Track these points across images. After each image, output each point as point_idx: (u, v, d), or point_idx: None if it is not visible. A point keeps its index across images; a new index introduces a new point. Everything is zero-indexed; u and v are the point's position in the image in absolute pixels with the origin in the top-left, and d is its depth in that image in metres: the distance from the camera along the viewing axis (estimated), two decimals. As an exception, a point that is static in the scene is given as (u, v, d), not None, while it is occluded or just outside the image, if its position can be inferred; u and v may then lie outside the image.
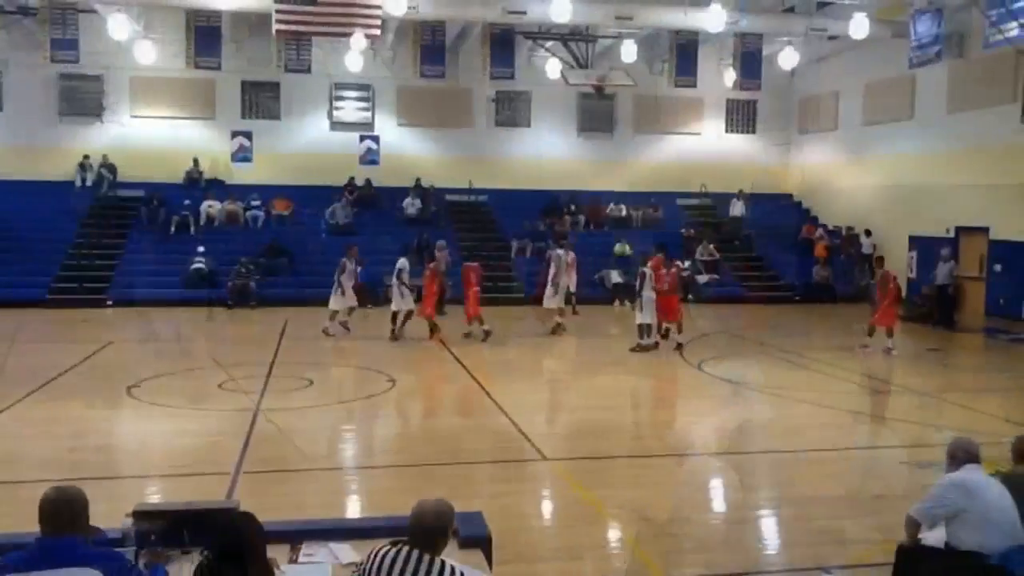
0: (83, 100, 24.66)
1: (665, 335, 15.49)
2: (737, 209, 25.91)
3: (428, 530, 3.70)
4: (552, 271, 17.46)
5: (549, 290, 17.40)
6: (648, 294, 14.98)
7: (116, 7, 19.73)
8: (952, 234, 21.46)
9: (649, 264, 15.35)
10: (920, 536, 4.95)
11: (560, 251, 17.98)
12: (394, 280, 16.10)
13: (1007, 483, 4.87)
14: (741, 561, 6.28)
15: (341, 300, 16.64)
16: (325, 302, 20.76)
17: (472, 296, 16.52)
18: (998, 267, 20.18)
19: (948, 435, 5.54)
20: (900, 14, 20.79)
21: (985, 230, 20.51)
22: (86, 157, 24.52)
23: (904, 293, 22.29)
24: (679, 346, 15.20)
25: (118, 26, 19.96)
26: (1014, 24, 17.62)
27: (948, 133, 21.56)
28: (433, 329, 16.21)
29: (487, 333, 16.11)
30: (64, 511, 3.51)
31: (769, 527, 7.14)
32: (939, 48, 19.66)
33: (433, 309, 16.48)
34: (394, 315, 16.17)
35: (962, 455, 4.92)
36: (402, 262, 16.18)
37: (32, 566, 3.41)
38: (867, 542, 6.46)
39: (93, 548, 3.60)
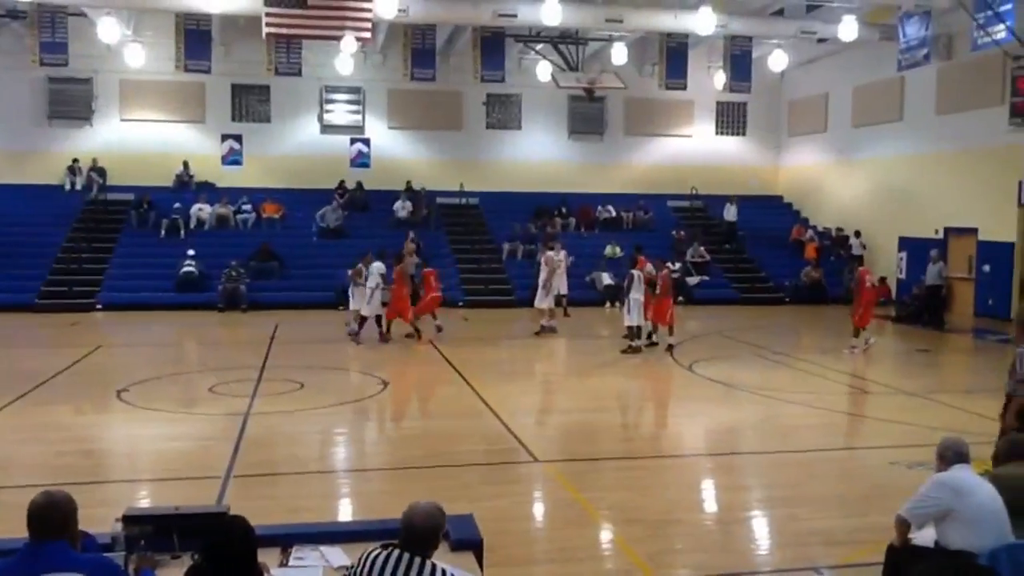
0: (72, 103, 24.63)
1: (637, 335, 15.38)
2: (731, 214, 25.89)
3: (419, 533, 3.70)
4: (544, 274, 17.48)
5: (541, 292, 17.43)
6: (636, 296, 15.01)
7: (105, 10, 19.66)
8: (941, 235, 21.58)
9: (638, 266, 15.41)
10: (910, 536, 4.97)
11: (551, 252, 18.00)
12: (370, 284, 16.02)
13: (996, 483, 4.89)
14: (732, 562, 6.29)
15: (361, 303, 16.51)
16: (315, 305, 20.87)
17: (431, 301, 16.80)
18: (986, 268, 20.30)
19: (938, 435, 5.55)
20: (888, 17, 20.91)
21: (974, 231, 20.63)
22: (75, 160, 24.47)
23: (894, 294, 22.50)
24: (670, 348, 15.24)
25: (107, 29, 19.88)
26: (1001, 26, 17.73)
27: (937, 135, 21.68)
28: (412, 330, 16.32)
29: (415, 333, 16.27)
30: (53, 516, 3.50)
31: (760, 528, 7.15)
32: (927, 50, 19.77)
33: (410, 312, 16.42)
34: (378, 319, 16.13)
35: (951, 455, 4.93)
36: (378, 266, 16.11)
37: (21, 572, 3.40)
38: (857, 542, 6.48)
39: (82, 553, 3.59)
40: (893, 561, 4.97)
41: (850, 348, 15.46)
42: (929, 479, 4.96)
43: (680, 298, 22.33)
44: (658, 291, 15.23)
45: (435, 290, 17.03)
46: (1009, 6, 17.54)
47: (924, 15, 19.58)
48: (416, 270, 17.76)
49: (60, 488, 3.71)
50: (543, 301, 17.38)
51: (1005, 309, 19.57)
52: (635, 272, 15.26)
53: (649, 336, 15.57)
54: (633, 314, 15.06)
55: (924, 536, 4.96)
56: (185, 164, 25.00)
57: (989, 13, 17.82)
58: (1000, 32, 17.86)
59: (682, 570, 6.22)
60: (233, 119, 25.55)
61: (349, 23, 18.60)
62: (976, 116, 20.20)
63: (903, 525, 4.93)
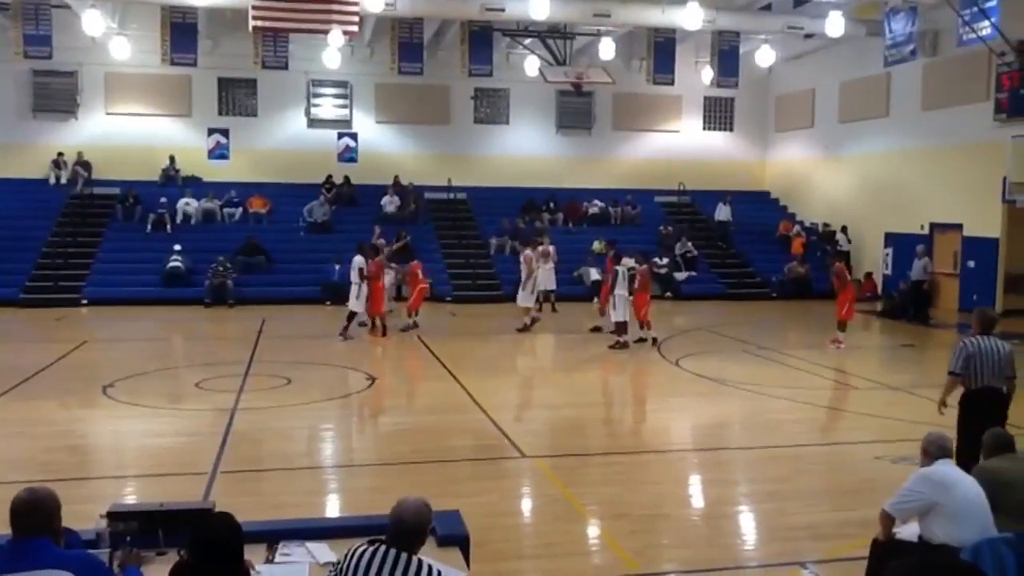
0: (57, 96, 24.44)
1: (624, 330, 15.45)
2: (723, 214, 25.87)
3: (407, 529, 3.70)
4: (524, 273, 17.54)
5: (522, 291, 17.52)
6: (620, 292, 15.06)
7: (90, 2, 19.50)
8: (926, 231, 21.71)
9: (622, 262, 15.50)
10: (894, 530, 5.01)
11: (529, 251, 18.07)
12: (354, 279, 15.98)
13: (978, 477, 4.93)
14: (719, 556, 6.32)
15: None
16: (302, 300, 20.82)
17: (420, 293, 17.09)
18: (971, 263, 20.43)
19: (922, 430, 5.59)
20: (875, 13, 20.99)
21: (959, 227, 20.76)
22: (60, 154, 24.28)
23: (880, 289, 22.62)
24: (654, 341, 15.30)
25: (92, 22, 19.74)
26: (986, 23, 17.83)
27: (923, 131, 21.79)
28: (384, 327, 16.29)
29: (413, 325, 16.66)
30: (36, 513, 3.49)
31: (746, 522, 7.19)
32: (913, 46, 19.87)
33: (383, 306, 16.41)
34: (351, 314, 16.08)
35: (935, 450, 4.98)
36: (358, 260, 16.05)
37: (3, 568, 3.39)
38: (843, 536, 6.52)
39: (66, 549, 3.58)
40: (878, 555, 5.01)
41: (835, 343, 15.54)
42: (913, 474, 5.01)
43: (668, 293, 22.48)
44: (636, 286, 15.28)
45: (422, 282, 17.24)
46: (994, 2, 17.63)
47: (910, 11, 19.67)
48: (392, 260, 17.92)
49: (45, 484, 3.70)
50: (528, 299, 17.43)
51: (990, 305, 19.70)
52: (619, 268, 15.32)
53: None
54: (619, 310, 15.11)
55: (908, 530, 5.00)
56: (171, 158, 24.85)
57: (975, 9, 17.91)
58: (985, 28, 17.96)
59: (669, 565, 6.24)
60: (220, 113, 25.41)
61: (336, 16, 18.55)
62: (961, 112, 20.30)
63: (887, 519, 4.98)
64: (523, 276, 17.50)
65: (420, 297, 17.21)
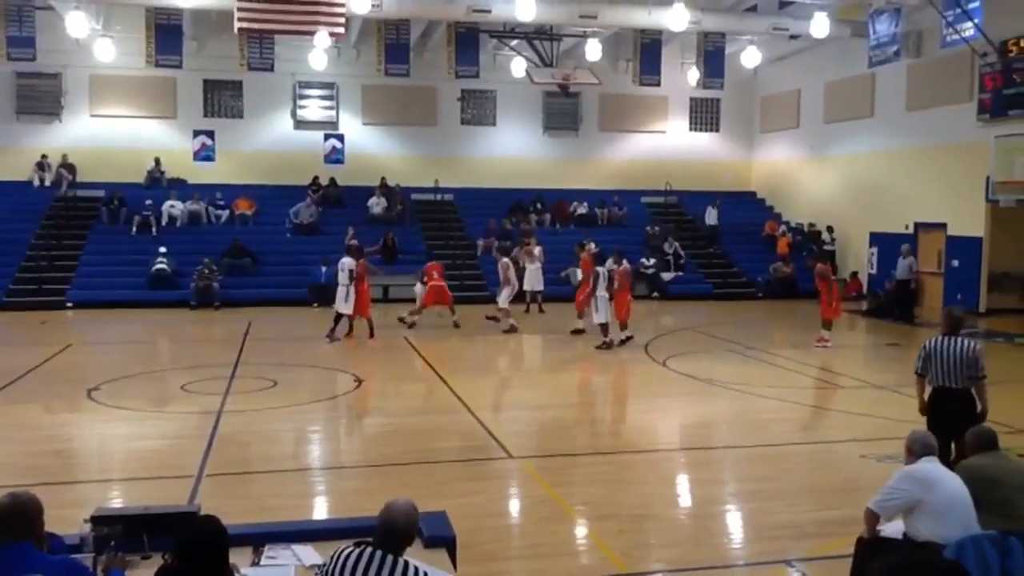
0: (41, 99, 24.28)
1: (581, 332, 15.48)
2: (712, 217, 25.92)
3: (397, 532, 3.71)
4: (502, 278, 17.60)
5: (500, 294, 17.57)
6: (601, 293, 15.09)
7: (74, 4, 19.39)
8: (911, 230, 21.84)
9: (606, 264, 15.57)
10: (879, 528, 5.04)
11: (506, 259, 18.11)
12: (342, 281, 15.91)
13: (962, 474, 4.97)
14: (706, 556, 6.34)
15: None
16: (289, 302, 20.73)
17: (432, 291, 17.32)
18: (955, 262, 20.56)
19: (907, 428, 5.63)
20: (859, 14, 21.11)
21: (943, 226, 20.89)
22: (44, 156, 24.12)
23: (865, 289, 22.76)
24: (623, 341, 15.30)
25: (76, 24, 19.63)
26: (969, 24, 17.96)
27: (907, 131, 21.92)
28: (372, 328, 16.23)
29: (411, 324, 17.14)
30: (18, 517, 3.47)
31: (733, 521, 7.21)
32: (897, 47, 20.00)
33: (369, 308, 16.39)
34: (338, 316, 16.02)
35: (919, 448, 5.02)
36: (348, 262, 15.98)
37: (-14, 573, 3.37)
38: (828, 535, 6.56)
39: (48, 555, 3.56)
40: (862, 553, 5.04)
41: (820, 342, 15.61)
42: (897, 472, 5.04)
43: (654, 293, 22.54)
44: (616, 286, 15.33)
45: (436, 280, 17.42)
46: (977, 3, 17.77)
47: (894, 12, 19.80)
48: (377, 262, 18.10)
49: (28, 489, 3.68)
50: (505, 303, 17.47)
51: (974, 303, 19.85)
52: (600, 269, 15.36)
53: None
54: (601, 311, 15.13)
55: (893, 528, 5.03)
56: (156, 160, 24.73)
57: (958, 11, 18.04)
58: (968, 29, 18.10)
59: (656, 565, 6.26)
60: (205, 115, 25.29)
61: (322, 18, 18.50)
62: (945, 112, 20.44)
63: (872, 517, 5.00)
64: (501, 280, 17.61)
65: (431, 295, 17.27)
